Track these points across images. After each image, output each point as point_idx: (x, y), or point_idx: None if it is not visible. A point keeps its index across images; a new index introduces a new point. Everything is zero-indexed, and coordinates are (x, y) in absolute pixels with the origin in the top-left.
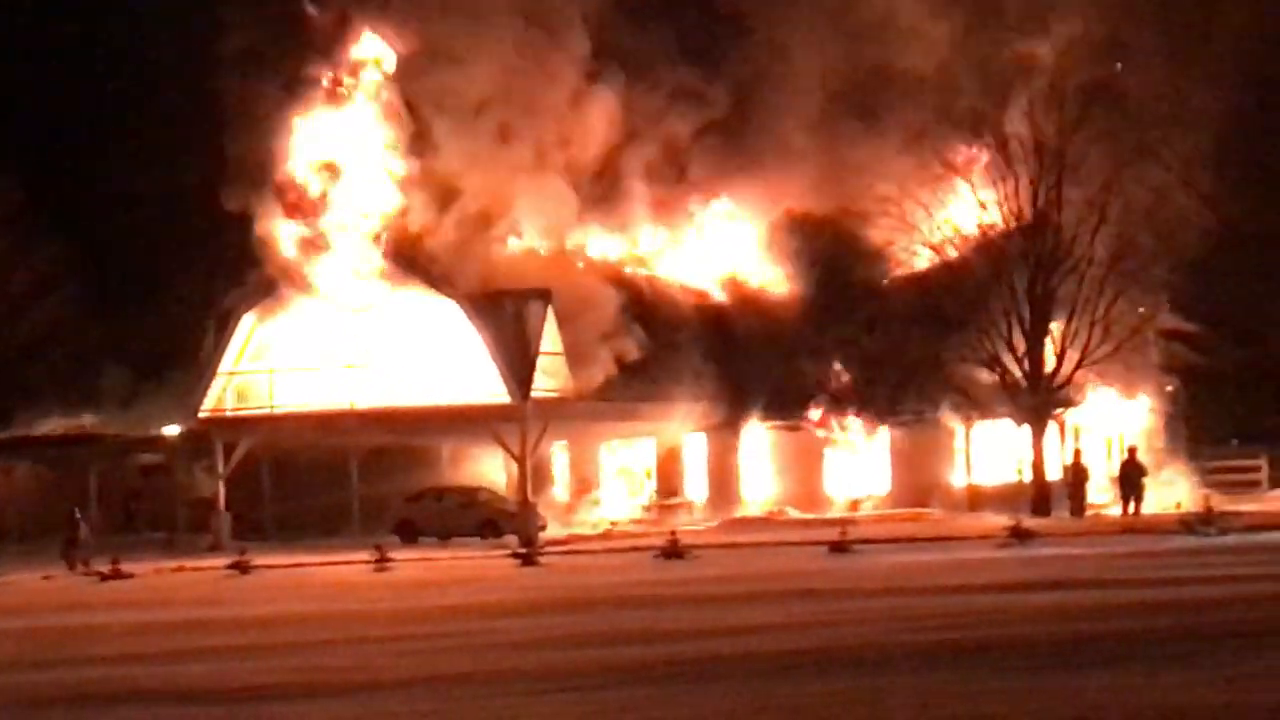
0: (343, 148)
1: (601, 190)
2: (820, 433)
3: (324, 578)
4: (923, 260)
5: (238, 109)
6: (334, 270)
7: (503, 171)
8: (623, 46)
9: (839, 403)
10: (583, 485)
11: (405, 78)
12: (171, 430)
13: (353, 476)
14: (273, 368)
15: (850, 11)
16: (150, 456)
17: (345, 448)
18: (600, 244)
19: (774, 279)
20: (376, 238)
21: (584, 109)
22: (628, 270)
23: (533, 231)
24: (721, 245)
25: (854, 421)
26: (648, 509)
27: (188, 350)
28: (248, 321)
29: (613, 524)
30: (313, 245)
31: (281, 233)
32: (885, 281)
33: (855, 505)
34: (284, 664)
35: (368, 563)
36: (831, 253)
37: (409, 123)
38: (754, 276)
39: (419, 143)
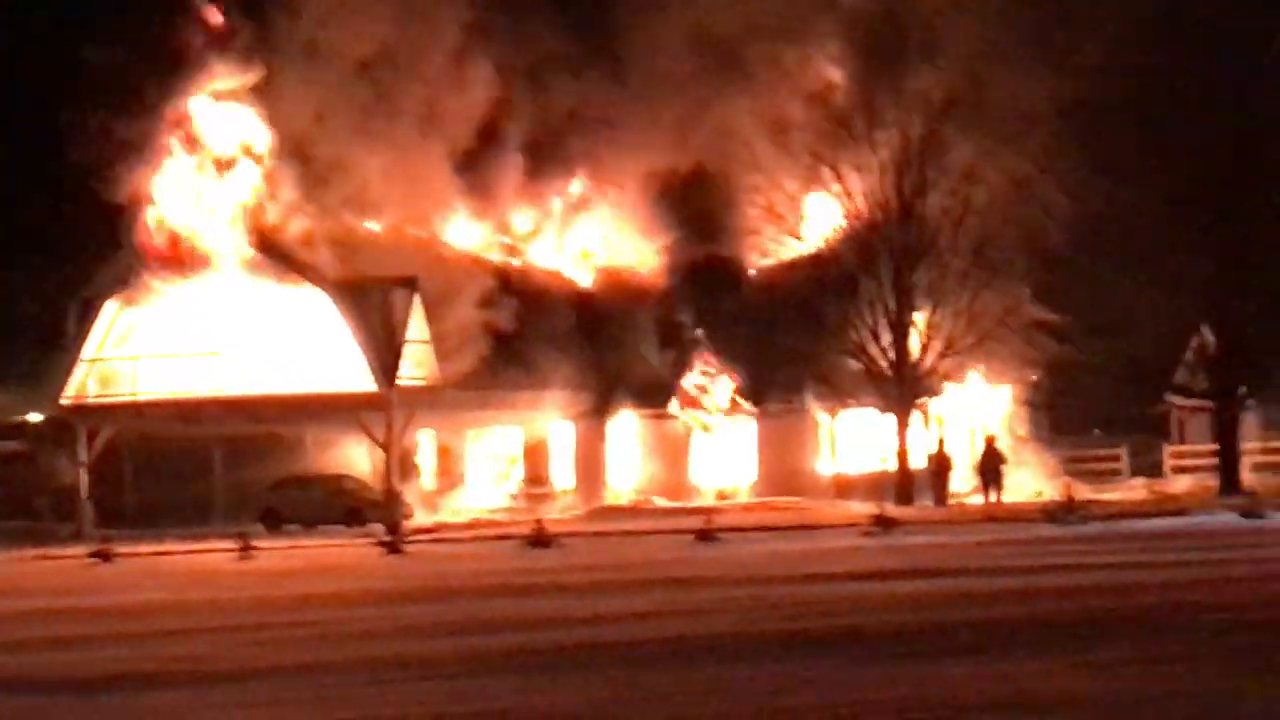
0: (206, 132)
1: (470, 175)
2: (687, 421)
3: (187, 566)
4: (790, 250)
5: (95, 87)
6: (198, 257)
7: (370, 157)
8: (493, 25)
9: (706, 392)
10: (449, 474)
11: (272, 61)
12: (33, 417)
13: (217, 464)
14: (136, 354)
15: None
16: (11, 444)
17: (209, 435)
18: (468, 230)
19: (642, 269)
20: (242, 224)
21: (455, 90)
22: (496, 256)
23: (400, 218)
24: (591, 232)
25: (720, 410)
26: (514, 497)
27: (44, 336)
28: (111, 308)
29: (480, 512)
30: (177, 230)
31: (145, 217)
32: (753, 271)
33: (722, 494)
34: (146, 653)
35: (231, 551)
36: (700, 242)
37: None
38: (623, 265)
39: (285, 127)
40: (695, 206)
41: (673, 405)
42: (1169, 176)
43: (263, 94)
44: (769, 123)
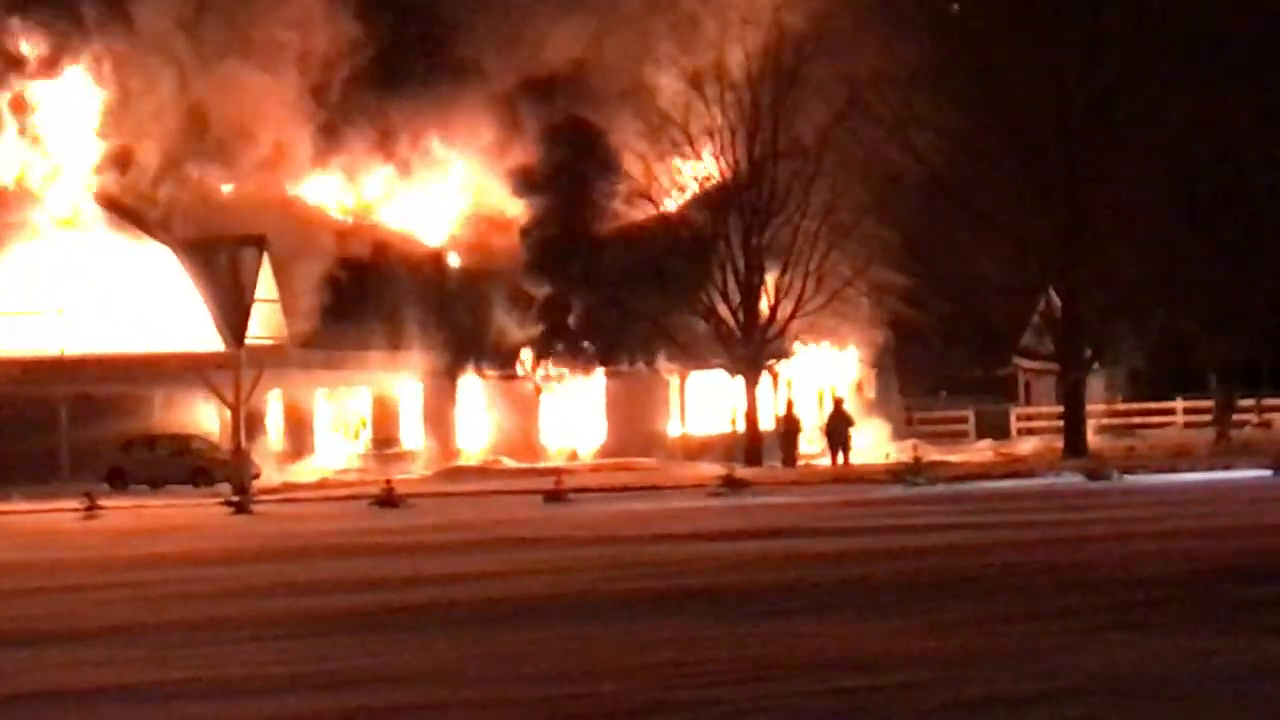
0: (47, 82)
1: (322, 132)
2: (535, 381)
3: (32, 525)
4: (641, 211)
5: None
6: (42, 212)
7: (221, 110)
8: None
9: (555, 352)
10: (297, 434)
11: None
12: None
13: (63, 423)
14: None
15: None
16: None
17: (55, 394)
18: (320, 189)
19: (493, 228)
20: (86, 179)
21: (308, 42)
22: (347, 215)
23: (250, 176)
24: (443, 192)
25: (569, 371)
26: (363, 458)
27: None
28: None
29: (329, 473)
30: (20, 185)
31: None
32: (602, 232)
33: (572, 455)
34: None
35: (77, 510)
36: (552, 202)
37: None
38: (472, 223)
39: (133, 81)
40: (548, 165)
41: (522, 366)
42: (1014, 139)
43: (113, 49)
44: (622, 83)
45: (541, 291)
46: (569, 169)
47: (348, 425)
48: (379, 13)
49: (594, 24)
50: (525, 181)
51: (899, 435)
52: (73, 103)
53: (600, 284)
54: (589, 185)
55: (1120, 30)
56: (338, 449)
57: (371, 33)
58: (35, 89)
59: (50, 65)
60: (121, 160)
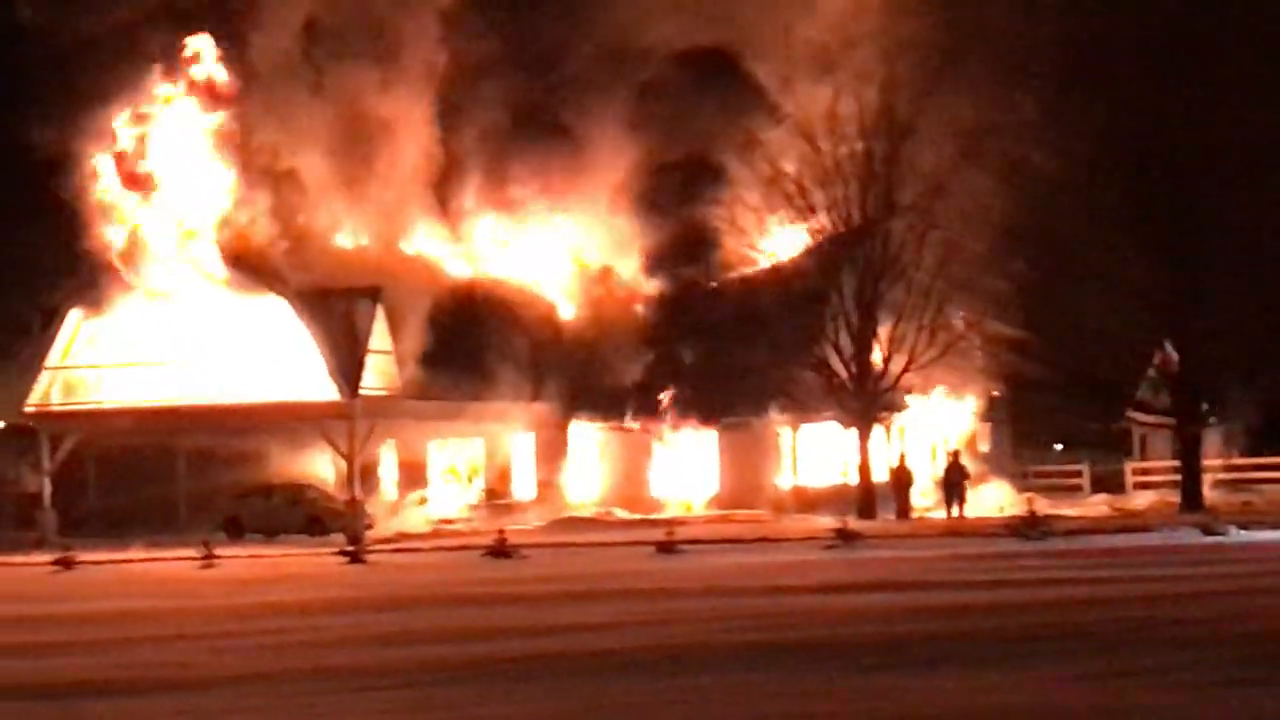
0: (172, 140)
1: (436, 185)
2: (648, 434)
3: (149, 574)
4: (754, 264)
5: (61, 96)
6: (162, 265)
7: (335, 168)
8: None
9: (667, 404)
10: (410, 484)
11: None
12: None
13: (180, 473)
14: (100, 362)
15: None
16: None
17: (173, 444)
18: (433, 240)
19: (606, 282)
20: (206, 233)
21: (421, 100)
22: (460, 266)
23: (365, 229)
24: (555, 244)
25: (682, 423)
26: (475, 508)
27: (6, 345)
28: (74, 316)
29: (440, 523)
30: (141, 239)
31: (109, 226)
32: (715, 285)
33: (685, 507)
34: (108, 660)
35: (194, 559)
36: (664, 255)
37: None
38: (585, 274)
39: (252, 139)
40: (662, 217)
41: (633, 417)
42: (1128, 192)
43: (229, 106)
44: (734, 138)
45: (654, 343)
46: (682, 221)
47: (460, 475)
48: (497, 69)
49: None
50: (637, 233)
51: (1014, 489)
52: (192, 156)
53: (713, 336)
54: (704, 237)
55: (1233, 79)
56: (450, 499)
57: (490, 89)
58: (154, 144)
59: (167, 119)
60: (239, 213)
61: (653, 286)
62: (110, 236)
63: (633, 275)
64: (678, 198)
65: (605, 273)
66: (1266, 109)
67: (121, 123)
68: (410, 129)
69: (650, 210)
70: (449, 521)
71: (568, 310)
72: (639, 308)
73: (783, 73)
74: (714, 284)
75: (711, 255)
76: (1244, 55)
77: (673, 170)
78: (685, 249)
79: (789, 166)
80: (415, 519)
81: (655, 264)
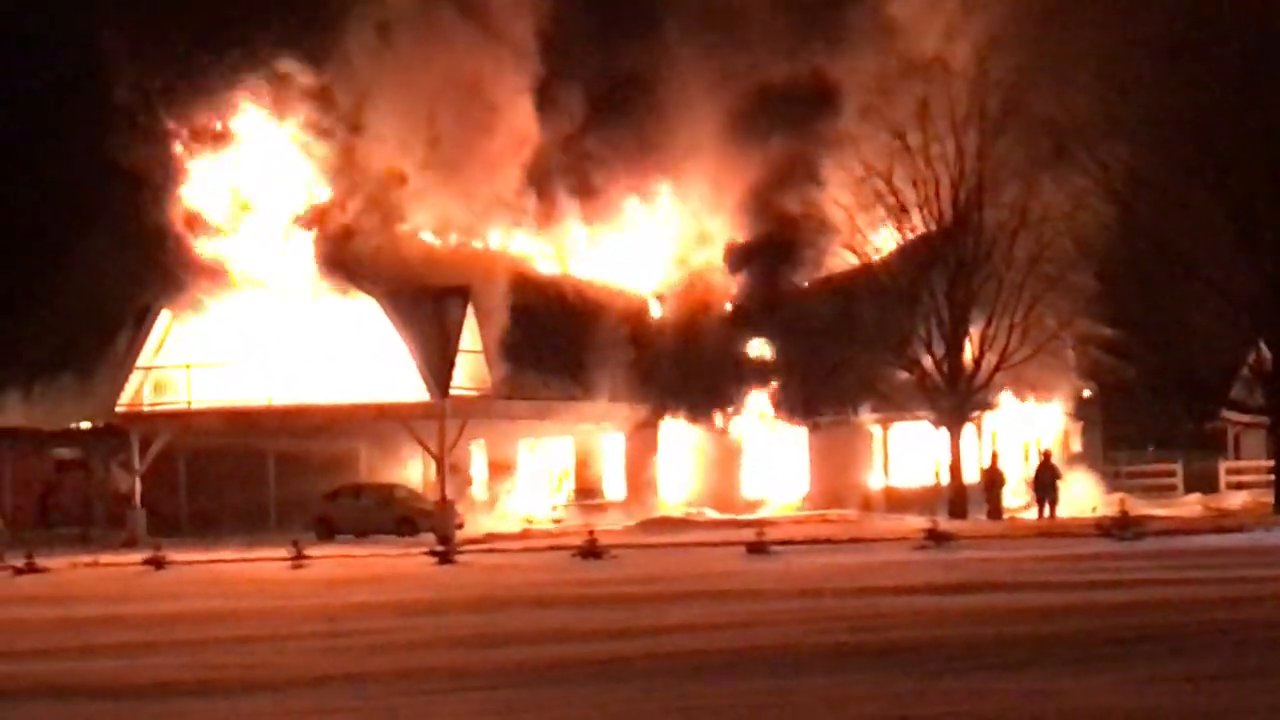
0: (262, 142)
1: (525, 187)
2: (739, 433)
3: (240, 574)
4: (845, 262)
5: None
6: (251, 266)
7: (427, 167)
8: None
9: (758, 403)
10: (501, 484)
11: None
12: (87, 424)
13: (270, 473)
14: (190, 363)
15: (777, 12)
16: (65, 451)
17: (263, 444)
18: (524, 239)
19: (695, 279)
20: (297, 233)
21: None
22: (549, 265)
23: (455, 227)
24: (642, 243)
25: (774, 422)
26: (566, 508)
27: (93, 344)
28: (165, 316)
29: (530, 522)
30: (231, 239)
31: (201, 226)
32: (806, 284)
33: (776, 506)
34: (197, 660)
35: (284, 559)
36: (757, 252)
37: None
38: (676, 272)
39: (341, 138)
40: (755, 215)
41: (724, 416)
42: (1222, 190)
43: (320, 105)
44: (827, 135)
45: (746, 342)
46: (775, 219)
47: (551, 475)
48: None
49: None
50: (728, 232)
51: (1106, 489)
52: (283, 155)
53: (804, 335)
54: (795, 236)
55: None
56: (541, 499)
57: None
58: (250, 145)
59: (265, 120)
60: (330, 212)
61: (743, 285)
62: (202, 237)
63: (724, 273)
64: (771, 195)
65: (696, 271)
66: None
67: (216, 124)
68: (499, 127)
69: (743, 207)
70: (539, 521)
71: (658, 308)
72: (729, 306)
73: (874, 69)
74: (805, 283)
75: (803, 253)
76: None
77: (765, 167)
78: (777, 247)
79: (880, 164)
80: (505, 519)
81: (746, 262)
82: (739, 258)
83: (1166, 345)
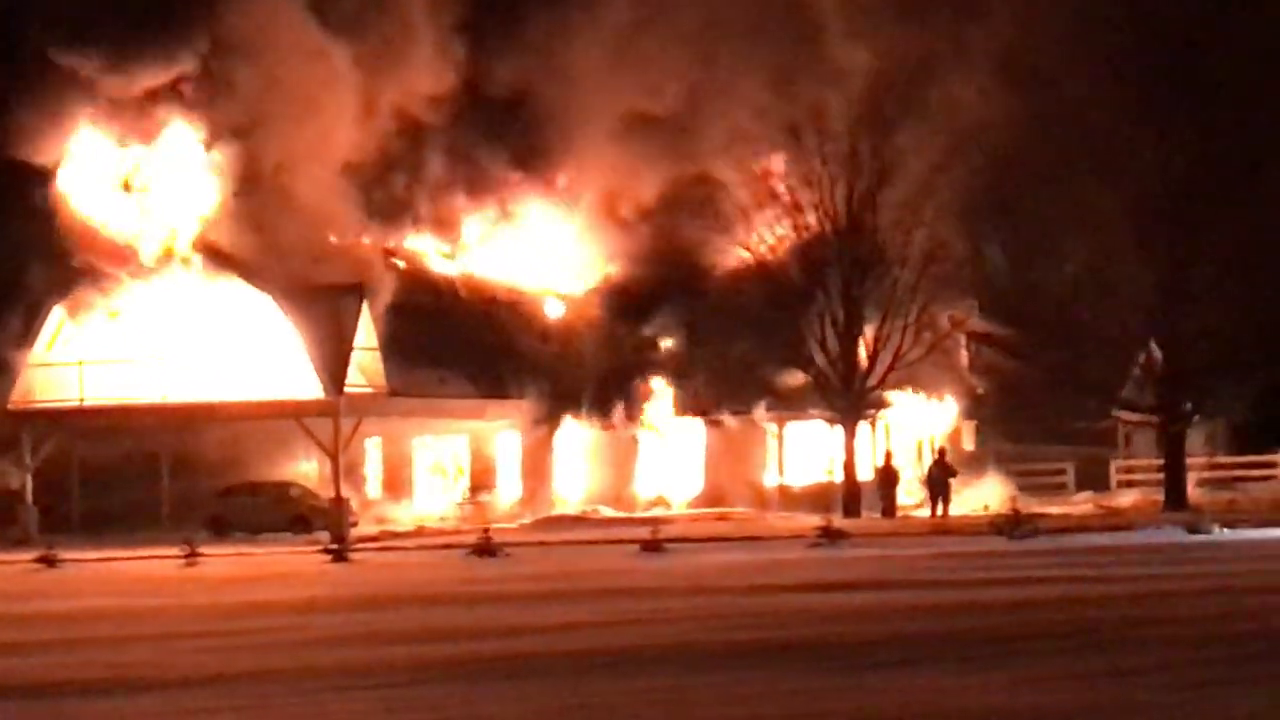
0: (155, 136)
1: (419, 184)
2: (634, 431)
3: (133, 573)
4: (739, 261)
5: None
6: (145, 262)
7: (321, 163)
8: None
9: (653, 401)
10: (395, 482)
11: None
12: None
13: (163, 470)
14: (82, 360)
15: (673, 12)
16: None
17: (156, 442)
18: (420, 239)
19: (590, 276)
20: (190, 230)
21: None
22: (446, 265)
23: (348, 227)
24: (538, 240)
25: (669, 420)
26: (461, 506)
27: None
28: (56, 313)
29: (426, 521)
30: (125, 237)
31: (92, 222)
32: (702, 282)
33: (668, 504)
34: (90, 659)
35: (177, 558)
36: (650, 251)
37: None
38: (571, 272)
39: (234, 134)
40: (647, 214)
41: (620, 415)
42: (1118, 190)
43: (212, 101)
44: (719, 133)
45: (640, 340)
46: (669, 218)
47: (445, 473)
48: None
49: (694, 73)
50: (622, 230)
51: (998, 487)
52: (176, 151)
53: (699, 334)
54: (688, 234)
55: (1225, 81)
56: (435, 497)
57: (473, 83)
58: (143, 140)
59: (152, 115)
60: (224, 208)
61: (639, 283)
62: (94, 234)
63: (618, 271)
64: (665, 195)
65: (590, 268)
66: (1258, 111)
67: (105, 122)
68: (396, 125)
69: (639, 206)
70: (435, 520)
71: (554, 307)
72: (624, 304)
73: (770, 72)
74: (701, 281)
75: (699, 252)
76: (1233, 57)
77: (661, 166)
78: (671, 246)
79: (776, 165)
80: (400, 517)
81: (641, 261)
82: (635, 255)
83: (1060, 345)
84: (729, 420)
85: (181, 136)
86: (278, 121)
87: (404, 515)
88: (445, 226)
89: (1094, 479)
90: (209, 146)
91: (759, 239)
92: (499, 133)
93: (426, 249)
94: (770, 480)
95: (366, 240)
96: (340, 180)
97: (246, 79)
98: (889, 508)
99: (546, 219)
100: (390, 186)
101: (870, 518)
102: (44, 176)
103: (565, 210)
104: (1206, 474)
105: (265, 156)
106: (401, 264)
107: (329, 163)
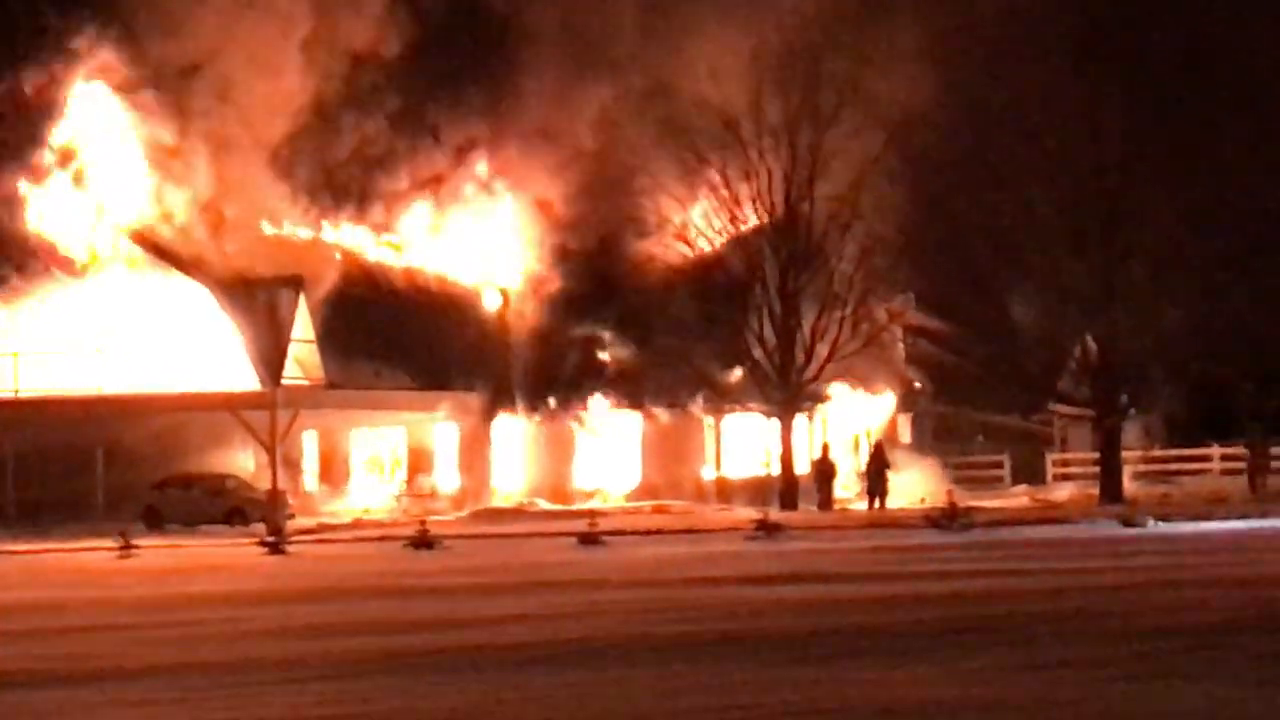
0: (88, 129)
1: (355, 174)
2: (571, 424)
3: (67, 565)
4: (676, 254)
5: None
6: (80, 253)
7: (255, 154)
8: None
9: (589, 394)
10: (332, 475)
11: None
12: None
13: (98, 463)
14: (17, 351)
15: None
16: None
17: (91, 433)
18: (355, 230)
19: (527, 270)
20: (124, 219)
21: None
22: (382, 256)
23: (287, 218)
24: (477, 232)
25: (604, 413)
26: (398, 499)
27: None
28: None
29: (363, 513)
30: (57, 225)
31: (26, 213)
32: (639, 274)
33: (605, 497)
34: (24, 650)
35: (112, 550)
36: (586, 243)
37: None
38: (508, 265)
39: (168, 125)
40: (583, 204)
41: (557, 407)
42: (1056, 188)
43: (146, 91)
44: (656, 125)
45: (577, 333)
46: (605, 209)
47: (383, 466)
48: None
49: (630, 63)
50: (559, 222)
51: (935, 480)
52: (111, 142)
53: (636, 326)
54: (625, 226)
55: (1159, 72)
56: (373, 490)
57: (408, 70)
58: (76, 129)
59: (90, 105)
60: (158, 199)
61: (576, 276)
62: (26, 221)
63: (557, 264)
64: (604, 185)
65: (529, 261)
66: (1195, 98)
67: (37, 106)
68: (331, 111)
69: (576, 198)
70: (372, 513)
71: (492, 299)
72: (560, 296)
73: (709, 63)
74: (637, 274)
75: (636, 245)
76: (1165, 49)
77: (599, 156)
78: (608, 237)
79: (713, 157)
80: (337, 510)
81: (579, 253)
82: (572, 248)
83: (996, 339)
84: (666, 413)
85: (117, 121)
86: (214, 103)
87: (341, 508)
88: (383, 216)
89: (1030, 473)
90: (147, 134)
91: (696, 232)
92: (436, 118)
93: (363, 240)
94: (708, 473)
95: (302, 231)
96: (275, 167)
97: (175, 54)
98: (826, 500)
99: (483, 210)
100: (326, 173)
101: (807, 510)
102: None
103: (500, 199)
104: (1142, 467)
105: (199, 141)
106: (338, 255)
107: (263, 148)
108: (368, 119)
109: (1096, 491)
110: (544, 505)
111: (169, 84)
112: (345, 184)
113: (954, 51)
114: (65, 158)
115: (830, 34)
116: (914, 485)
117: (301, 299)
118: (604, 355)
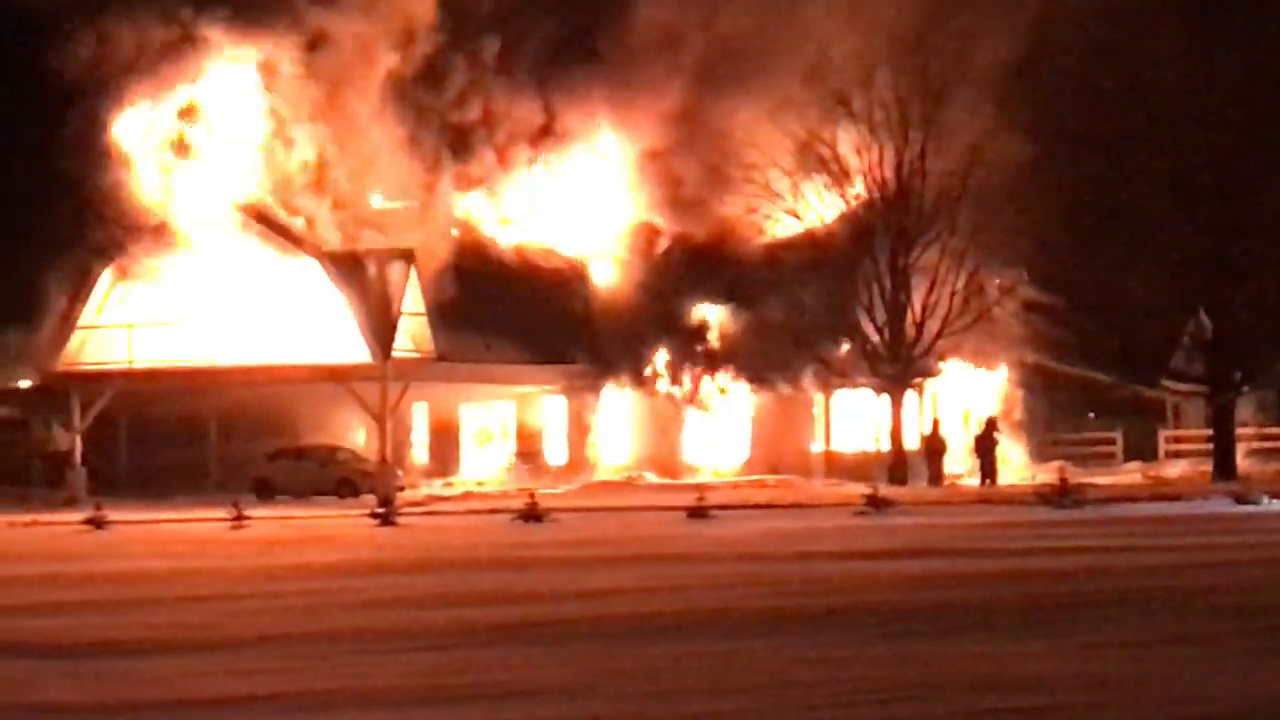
0: (203, 102)
1: (469, 149)
2: (680, 398)
3: (180, 535)
4: (787, 229)
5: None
6: (194, 226)
7: (370, 130)
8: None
9: (700, 368)
10: (442, 447)
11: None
12: (27, 384)
13: (211, 433)
14: (132, 322)
15: None
16: (3, 409)
17: (204, 404)
18: (468, 203)
19: (638, 244)
20: (240, 194)
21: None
22: (493, 230)
23: (398, 191)
24: (590, 204)
25: (715, 387)
26: (507, 471)
27: (34, 303)
28: (106, 275)
29: (475, 485)
30: (175, 200)
31: (141, 186)
32: (750, 248)
33: (714, 471)
34: (138, 620)
35: (224, 520)
36: (698, 219)
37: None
38: (619, 236)
39: (284, 100)
40: (696, 180)
41: (666, 381)
42: (1169, 160)
43: (262, 67)
44: (767, 100)
45: (688, 307)
46: (718, 184)
47: (492, 438)
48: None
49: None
50: (672, 197)
51: (1047, 456)
52: (225, 116)
53: (747, 301)
54: (735, 200)
55: (1278, 31)
56: (482, 462)
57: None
58: (192, 101)
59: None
60: (272, 173)
61: (686, 250)
62: (144, 196)
63: (665, 237)
64: (714, 160)
65: (637, 234)
66: None
67: (158, 84)
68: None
69: (686, 172)
70: (481, 485)
71: (602, 272)
72: (672, 270)
73: (819, 36)
74: (748, 249)
75: (746, 219)
76: None
77: (708, 132)
78: (720, 212)
79: (824, 131)
80: (446, 482)
81: (689, 227)
82: (684, 223)
83: (1109, 314)
84: (776, 388)
85: (231, 95)
86: (334, 89)
87: (451, 480)
88: (494, 189)
89: (1143, 450)
90: (263, 110)
91: (808, 207)
92: (547, 90)
93: (474, 213)
94: (817, 448)
95: (418, 205)
96: (389, 142)
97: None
98: (935, 476)
99: (594, 181)
100: (436, 140)
101: (916, 486)
102: (95, 139)
103: (612, 165)
104: (1256, 444)
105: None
106: (455, 231)
107: (375, 119)
108: (478, 83)
109: (1209, 469)
110: (652, 479)
111: (287, 57)
112: (456, 147)
113: (1063, 21)
114: (181, 132)
115: (942, 6)
116: (1025, 461)
117: (413, 272)
118: (714, 329)
